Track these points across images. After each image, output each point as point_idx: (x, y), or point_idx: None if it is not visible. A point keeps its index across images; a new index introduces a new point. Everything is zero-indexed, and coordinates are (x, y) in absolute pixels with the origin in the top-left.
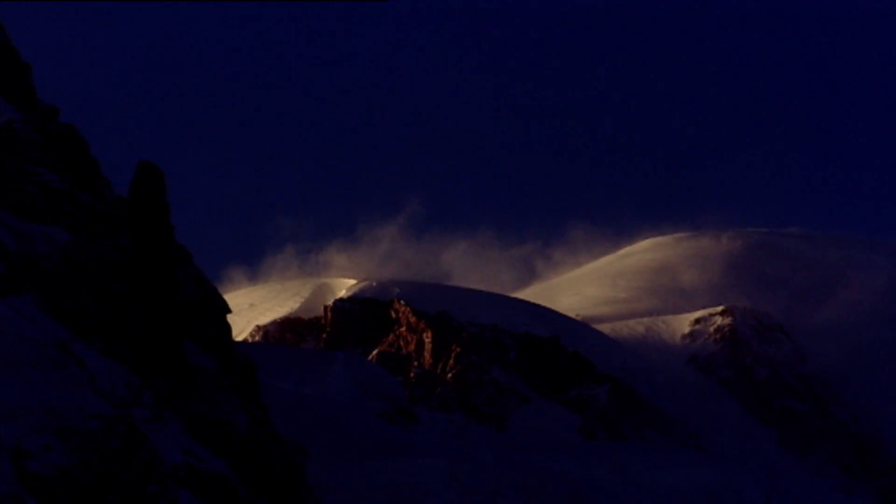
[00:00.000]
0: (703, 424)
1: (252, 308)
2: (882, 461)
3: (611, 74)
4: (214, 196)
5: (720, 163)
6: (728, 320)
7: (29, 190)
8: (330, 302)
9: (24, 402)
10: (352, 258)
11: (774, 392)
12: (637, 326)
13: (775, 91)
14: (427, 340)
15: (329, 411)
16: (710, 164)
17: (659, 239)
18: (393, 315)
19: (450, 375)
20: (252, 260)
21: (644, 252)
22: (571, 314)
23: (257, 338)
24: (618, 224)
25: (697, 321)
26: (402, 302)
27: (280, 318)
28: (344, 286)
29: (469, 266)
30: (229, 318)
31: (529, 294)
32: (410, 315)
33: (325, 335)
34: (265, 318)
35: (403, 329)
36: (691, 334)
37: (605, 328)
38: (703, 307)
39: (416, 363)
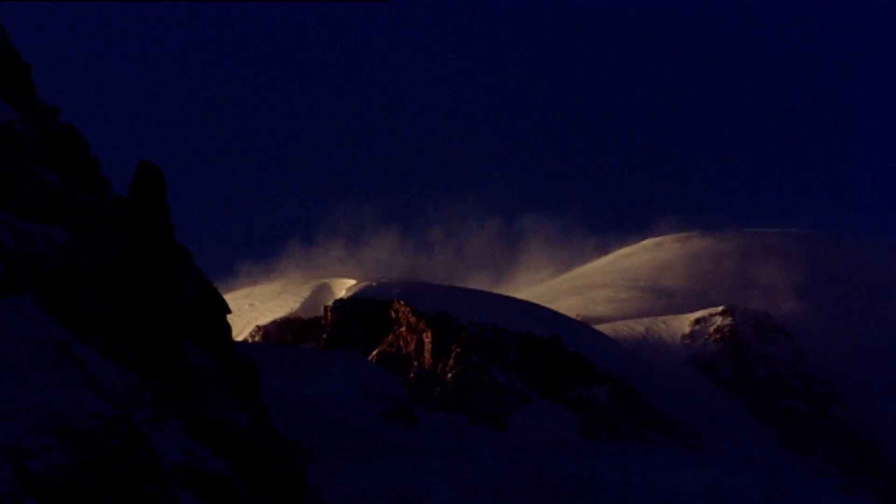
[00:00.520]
0: (703, 424)
1: (252, 308)
2: (882, 461)
3: (611, 74)
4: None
5: (720, 163)
6: (728, 320)
7: (29, 190)
8: (330, 302)
9: (24, 402)
10: (352, 258)
11: (774, 392)
12: (637, 326)
13: (775, 91)
14: (427, 340)
15: (329, 411)
16: (710, 164)
17: (659, 239)
18: (393, 315)
19: (450, 375)
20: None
21: (644, 252)
22: (571, 314)
23: (257, 338)
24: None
25: (697, 321)
26: (402, 302)
27: (280, 318)
28: (344, 286)
29: (469, 266)
30: (229, 318)
31: (529, 294)
32: (410, 315)
33: (325, 335)
34: (265, 318)
35: (403, 329)
36: (691, 334)
37: (605, 328)
38: (703, 307)
39: (416, 363)
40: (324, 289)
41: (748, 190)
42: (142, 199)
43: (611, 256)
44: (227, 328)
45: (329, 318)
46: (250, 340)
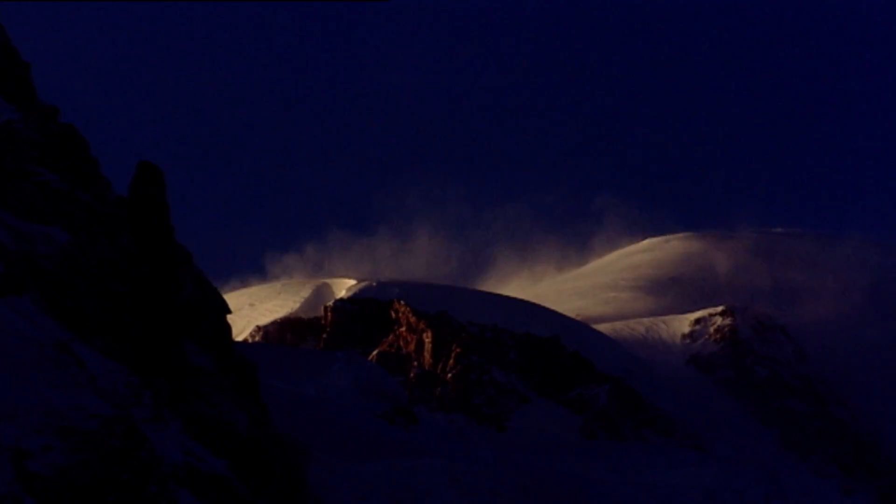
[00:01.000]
0: (703, 424)
1: (252, 308)
2: (882, 461)
3: (612, 75)
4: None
5: (721, 163)
6: (728, 320)
7: (29, 190)
8: (330, 302)
9: (24, 402)
10: (352, 258)
11: (774, 392)
12: (637, 326)
13: (776, 91)
14: (427, 340)
15: (329, 411)
16: (710, 164)
17: (659, 239)
18: (393, 315)
19: (450, 375)
20: (252, 259)
21: (644, 252)
22: (571, 314)
23: (257, 338)
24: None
25: (697, 321)
26: (402, 302)
27: (280, 318)
28: (344, 286)
29: (471, 266)
30: (229, 318)
31: (529, 294)
32: (410, 315)
33: (325, 335)
34: (265, 318)
35: (403, 329)
36: (691, 334)
37: (605, 328)
38: (703, 307)
39: (416, 363)
40: (324, 289)
41: (748, 190)
42: (142, 199)
43: (611, 256)
44: (227, 328)
45: (329, 318)
46: (250, 340)
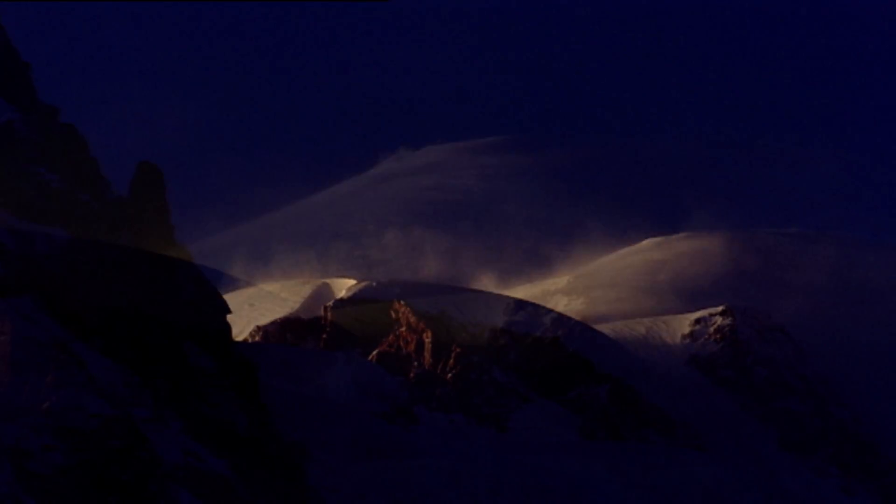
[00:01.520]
0: (703, 424)
1: (252, 308)
2: (882, 461)
3: (612, 73)
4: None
5: (720, 163)
6: (728, 320)
7: (29, 190)
8: (330, 302)
9: (24, 402)
10: (352, 258)
11: (774, 392)
12: (637, 326)
13: (776, 91)
14: (427, 340)
15: (329, 411)
16: (710, 164)
17: (659, 239)
18: (393, 315)
19: (450, 375)
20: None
21: (644, 252)
22: (571, 314)
23: (257, 338)
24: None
25: (697, 321)
26: (402, 302)
27: (280, 318)
28: (344, 286)
29: (471, 266)
30: (229, 318)
31: (529, 294)
32: (410, 315)
33: (324, 335)
34: (265, 318)
35: (403, 329)
36: (691, 334)
37: (605, 328)
38: (703, 307)
39: (416, 363)
40: (324, 289)
41: (748, 190)
42: (142, 199)
43: (611, 256)
44: (227, 328)
45: (329, 318)
46: (250, 340)
